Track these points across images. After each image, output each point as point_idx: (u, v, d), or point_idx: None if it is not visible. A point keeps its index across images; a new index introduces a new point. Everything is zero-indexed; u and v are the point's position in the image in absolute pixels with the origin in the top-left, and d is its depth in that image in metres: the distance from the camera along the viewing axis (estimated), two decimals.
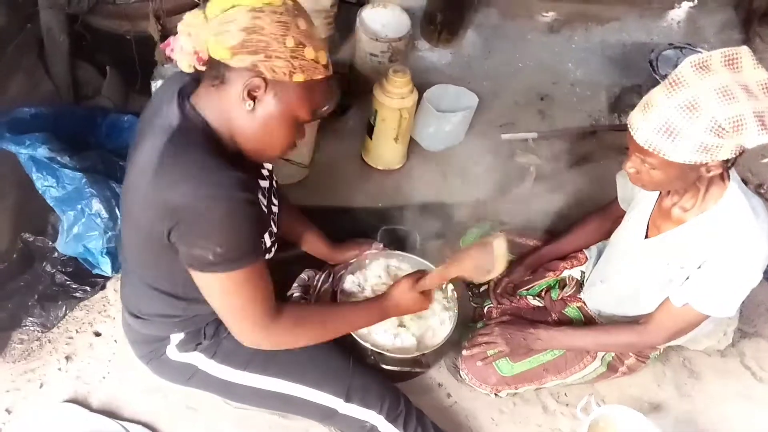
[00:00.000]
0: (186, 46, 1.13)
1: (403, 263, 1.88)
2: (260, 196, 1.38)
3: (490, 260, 1.48)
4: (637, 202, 1.71)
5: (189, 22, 1.13)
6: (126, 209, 1.31)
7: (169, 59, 1.19)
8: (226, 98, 1.18)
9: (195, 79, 1.24)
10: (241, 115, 1.19)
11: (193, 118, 1.20)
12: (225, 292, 1.24)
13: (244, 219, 1.18)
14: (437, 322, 1.77)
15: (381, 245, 1.90)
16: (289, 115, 1.21)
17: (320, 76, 1.20)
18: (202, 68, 1.17)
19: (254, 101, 1.17)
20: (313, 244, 1.83)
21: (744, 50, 1.30)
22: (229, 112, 1.19)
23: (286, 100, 1.18)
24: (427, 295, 1.59)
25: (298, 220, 1.79)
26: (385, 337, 1.69)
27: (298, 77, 1.16)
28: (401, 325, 1.73)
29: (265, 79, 1.15)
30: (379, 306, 1.54)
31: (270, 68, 1.13)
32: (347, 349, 1.65)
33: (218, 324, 1.47)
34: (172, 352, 1.49)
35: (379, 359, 1.66)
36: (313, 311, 1.50)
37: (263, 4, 1.12)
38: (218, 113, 1.20)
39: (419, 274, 1.59)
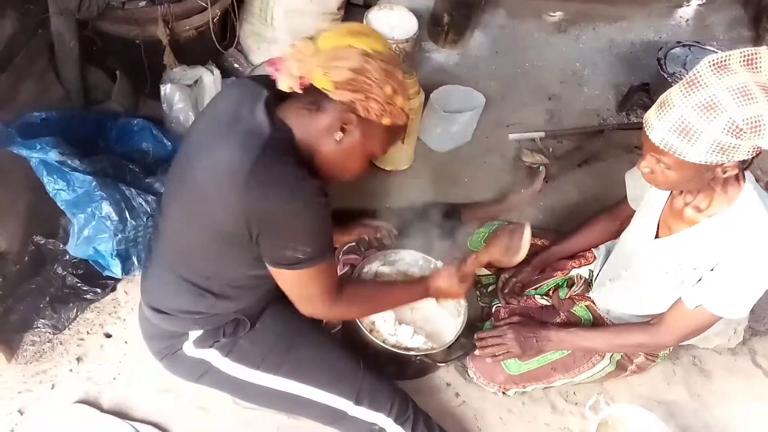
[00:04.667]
0: (294, 70, 1.21)
1: (404, 256, 1.93)
2: None
3: (518, 243, 1.66)
4: (647, 201, 1.71)
5: (300, 49, 1.22)
6: (188, 204, 1.34)
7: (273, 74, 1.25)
8: (317, 123, 1.27)
9: (276, 92, 1.28)
10: (328, 142, 1.29)
11: (283, 130, 1.27)
12: (304, 283, 1.36)
13: (326, 221, 1.30)
14: (448, 318, 1.79)
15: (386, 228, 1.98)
16: (369, 151, 1.34)
17: (402, 123, 1.32)
18: (299, 92, 1.23)
19: (344, 133, 1.27)
20: None
21: (763, 50, 1.27)
22: (317, 136, 1.29)
23: (370, 137, 1.30)
24: (466, 284, 1.69)
25: None
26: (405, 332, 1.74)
27: (386, 120, 1.27)
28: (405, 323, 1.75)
29: (358, 116, 1.25)
30: (424, 286, 1.67)
31: (365, 108, 1.24)
32: (358, 350, 1.67)
33: (237, 323, 1.50)
34: (189, 348, 1.51)
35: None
36: (368, 290, 1.67)
37: (373, 51, 1.21)
38: (306, 133, 1.28)
39: (459, 263, 1.69)
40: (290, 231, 1.26)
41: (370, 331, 1.72)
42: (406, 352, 1.70)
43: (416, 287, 1.67)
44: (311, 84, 1.22)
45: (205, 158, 1.26)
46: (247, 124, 1.25)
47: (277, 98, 1.29)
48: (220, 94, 1.45)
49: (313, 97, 1.24)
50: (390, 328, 1.73)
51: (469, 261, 1.68)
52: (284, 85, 1.23)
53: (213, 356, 1.52)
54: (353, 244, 1.94)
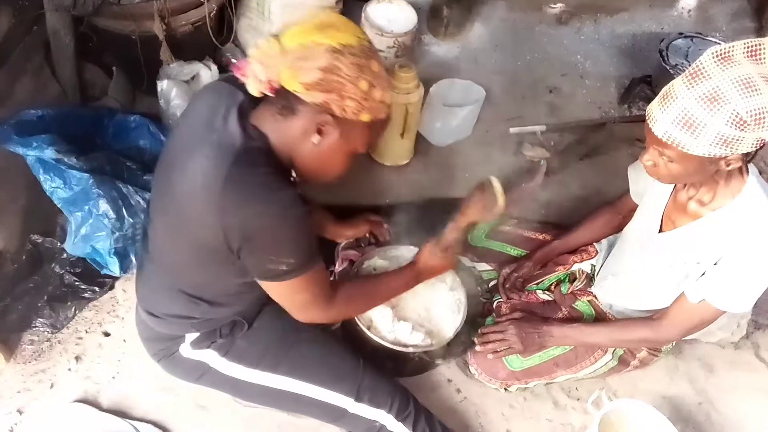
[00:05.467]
0: (260, 74, 1.15)
1: (403, 252, 1.92)
2: None
3: (492, 198, 1.60)
4: (650, 195, 1.69)
5: (264, 50, 1.16)
6: (169, 218, 1.31)
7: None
8: (292, 128, 1.22)
9: (251, 97, 1.24)
10: (306, 146, 1.24)
11: (256, 138, 1.22)
12: (294, 292, 1.34)
13: (306, 230, 1.26)
14: (447, 315, 1.78)
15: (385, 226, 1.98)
16: (350, 150, 1.29)
17: (383, 116, 1.26)
18: (271, 95, 1.18)
19: (321, 135, 1.22)
20: (324, 226, 1.89)
21: (767, 41, 1.26)
22: (293, 141, 1.24)
23: (350, 136, 1.25)
24: (450, 253, 1.66)
25: None
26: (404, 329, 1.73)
27: (365, 117, 1.21)
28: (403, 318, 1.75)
29: (334, 116, 1.19)
30: (412, 270, 1.64)
31: (341, 107, 1.18)
32: (357, 348, 1.67)
33: (234, 324, 1.50)
34: (186, 350, 1.51)
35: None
36: (361, 286, 1.61)
37: (342, 45, 1.14)
38: (282, 139, 1.24)
39: (438, 238, 1.66)
40: (270, 244, 1.22)
41: (369, 328, 1.71)
42: (404, 349, 1.69)
43: (407, 272, 1.64)
44: (281, 86, 1.16)
45: (180, 172, 1.22)
46: (221, 135, 1.20)
47: (254, 101, 1.24)
48: (197, 99, 1.38)
49: (285, 100, 1.19)
50: (388, 325, 1.72)
51: (447, 230, 1.65)
52: (254, 89, 1.17)
53: (211, 357, 1.51)
54: (352, 240, 1.92)
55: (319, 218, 1.88)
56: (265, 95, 1.19)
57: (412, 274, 1.64)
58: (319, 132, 1.21)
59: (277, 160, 1.26)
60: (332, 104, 1.17)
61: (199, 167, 1.19)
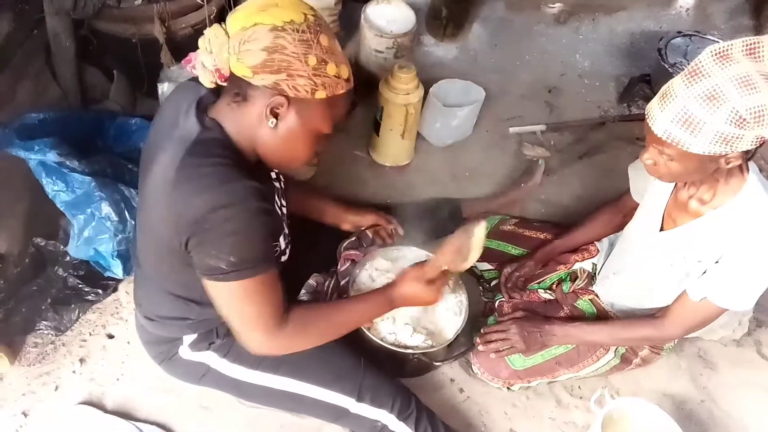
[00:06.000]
0: (207, 63, 1.14)
1: (406, 253, 1.90)
2: (276, 198, 1.40)
3: (467, 247, 1.50)
4: (651, 194, 1.69)
5: (210, 38, 1.13)
6: (143, 219, 1.31)
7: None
8: (248, 115, 1.19)
9: (212, 90, 1.24)
10: (264, 131, 1.21)
11: (213, 129, 1.20)
12: (236, 299, 1.24)
13: (258, 229, 1.18)
14: (449, 317, 1.78)
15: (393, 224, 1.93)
16: (311, 130, 1.23)
17: (342, 91, 1.21)
18: (224, 84, 1.17)
19: (277, 119, 1.18)
20: (330, 211, 1.85)
21: (765, 39, 1.26)
22: (251, 128, 1.21)
23: (308, 116, 1.20)
24: (436, 286, 1.53)
25: (309, 193, 1.81)
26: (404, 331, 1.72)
27: (321, 94, 1.17)
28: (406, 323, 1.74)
29: (287, 97, 1.15)
30: (384, 296, 1.51)
31: (292, 87, 1.14)
32: (358, 348, 1.65)
33: None
34: (185, 352, 1.51)
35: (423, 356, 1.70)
36: (320, 310, 1.45)
37: (284, 23, 1.11)
38: (240, 128, 1.21)
39: (423, 264, 1.56)
40: (213, 239, 1.14)
41: (369, 329, 1.70)
42: (404, 350, 1.68)
43: (378, 298, 1.51)
44: (232, 74, 1.14)
45: (150, 171, 1.22)
46: (181, 130, 1.19)
47: (216, 95, 1.23)
48: (166, 100, 1.36)
49: (237, 87, 1.17)
50: (389, 326, 1.72)
51: (428, 266, 1.53)
52: (205, 80, 1.15)
53: (211, 358, 1.51)
54: (354, 239, 1.89)
55: (316, 202, 1.82)
56: (219, 87, 1.18)
57: (385, 301, 1.51)
58: (275, 115, 1.18)
59: (237, 150, 1.22)
60: (282, 84, 1.13)
61: (161, 163, 1.18)
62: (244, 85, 1.15)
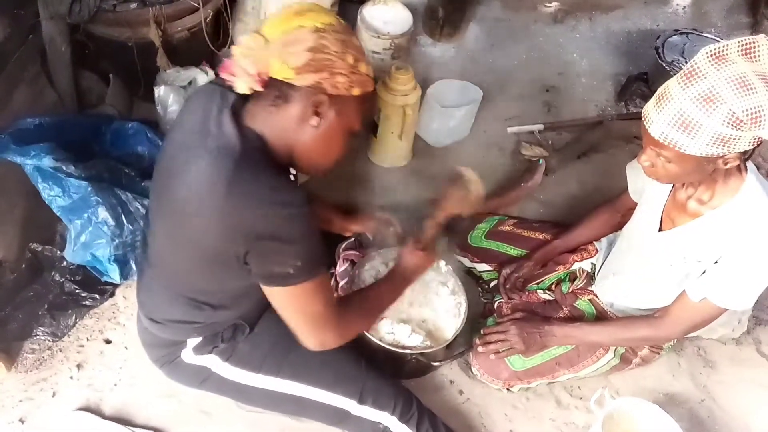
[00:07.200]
0: (249, 68, 1.15)
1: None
2: None
3: (467, 188, 1.58)
4: (649, 194, 1.69)
5: (248, 45, 1.17)
6: (169, 225, 1.30)
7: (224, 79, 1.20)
8: (288, 116, 1.22)
9: (240, 97, 1.24)
10: (305, 131, 1.24)
11: (253, 139, 1.22)
12: (304, 301, 1.29)
13: (315, 230, 1.24)
14: (448, 318, 1.77)
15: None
16: (347, 127, 1.29)
17: (371, 89, 1.28)
18: (261, 89, 1.18)
19: (319, 116, 1.22)
20: (335, 221, 1.87)
21: (761, 39, 1.25)
22: (291, 130, 1.24)
23: (345, 113, 1.26)
24: (430, 250, 1.64)
25: (315, 202, 1.80)
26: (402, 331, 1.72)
27: (356, 91, 1.22)
28: (406, 322, 1.74)
29: (328, 95, 1.20)
30: (398, 274, 1.61)
31: (333, 84, 1.18)
32: (359, 351, 1.65)
33: (235, 328, 1.49)
34: (188, 355, 1.50)
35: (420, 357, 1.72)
36: (353, 296, 1.59)
37: (324, 25, 1.17)
38: (279, 131, 1.24)
39: (415, 237, 1.65)
40: (277, 247, 1.20)
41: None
42: (402, 350, 1.68)
43: (394, 277, 1.61)
44: (271, 78, 1.17)
45: (179, 177, 1.22)
46: (218, 139, 1.20)
47: (244, 100, 1.25)
48: (189, 103, 1.38)
49: (276, 90, 1.19)
50: (387, 327, 1.72)
51: (425, 228, 1.63)
52: (242, 87, 1.17)
53: (213, 362, 1.51)
54: (353, 240, 1.91)
55: (326, 212, 1.86)
56: (254, 93, 1.19)
57: (399, 279, 1.61)
58: (317, 114, 1.22)
59: (276, 158, 1.25)
60: (324, 83, 1.17)
61: (200, 173, 1.18)
62: (286, 87, 1.18)
